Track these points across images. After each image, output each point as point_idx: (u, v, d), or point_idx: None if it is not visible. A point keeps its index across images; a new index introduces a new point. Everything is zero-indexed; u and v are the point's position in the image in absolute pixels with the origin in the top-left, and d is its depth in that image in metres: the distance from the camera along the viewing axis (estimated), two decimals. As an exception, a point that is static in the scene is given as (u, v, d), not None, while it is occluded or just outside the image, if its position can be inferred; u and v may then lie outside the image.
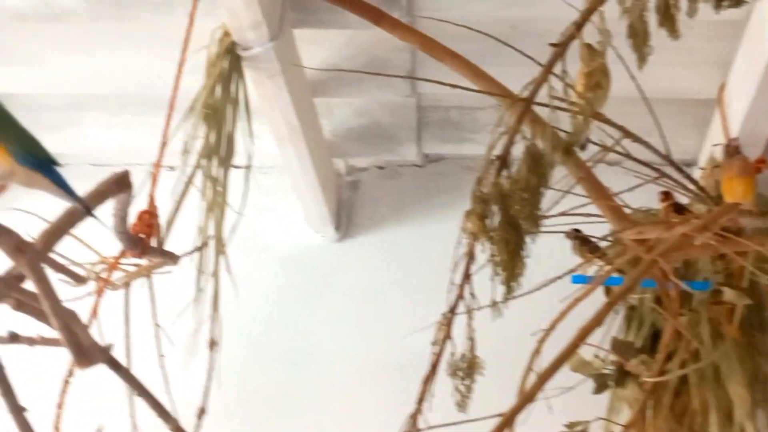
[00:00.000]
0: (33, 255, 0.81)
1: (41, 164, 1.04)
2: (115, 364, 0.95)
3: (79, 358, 0.81)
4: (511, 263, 1.34)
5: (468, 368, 1.33)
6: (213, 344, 1.57)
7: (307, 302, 2.65)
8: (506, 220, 1.36)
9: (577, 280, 1.92)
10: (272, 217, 2.68)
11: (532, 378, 1.37)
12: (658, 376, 1.87)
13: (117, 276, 1.58)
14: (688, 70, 2.21)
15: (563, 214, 1.94)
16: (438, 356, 1.34)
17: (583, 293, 1.52)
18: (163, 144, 1.45)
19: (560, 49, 1.49)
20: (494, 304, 1.32)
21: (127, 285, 1.62)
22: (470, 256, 1.39)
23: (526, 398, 1.20)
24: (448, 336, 1.35)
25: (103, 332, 1.60)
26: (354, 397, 2.58)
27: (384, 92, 2.35)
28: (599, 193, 1.76)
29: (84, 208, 0.99)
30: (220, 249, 1.77)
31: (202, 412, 1.60)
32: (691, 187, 1.90)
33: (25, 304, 0.88)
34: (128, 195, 1.02)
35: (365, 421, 2.54)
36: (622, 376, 1.89)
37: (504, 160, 1.42)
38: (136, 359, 1.68)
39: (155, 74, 2.31)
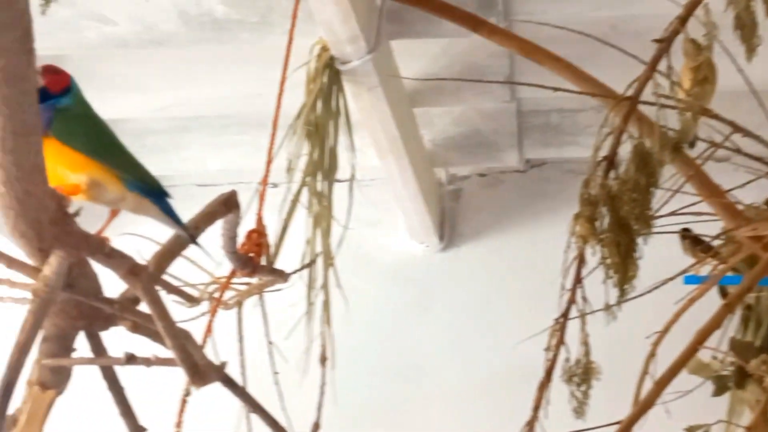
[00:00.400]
0: (147, 278, 0.82)
1: (150, 191, 1.07)
2: (230, 382, 0.95)
3: (194, 378, 0.81)
4: (623, 266, 1.31)
5: (584, 374, 1.31)
6: (324, 360, 1.57)
7: (415, 314, 2.64)
8: (616, 222, 1.33)
9: (690, 280, 1.88)
10: (376, 229, 2.68)
11: (648, 382, 1.34)
12: (779, 376, 1.80)
13: (229, 295, 1.59)
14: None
15: (673, 213, 1.89)
16: (552, 362, 1.32)
17: (697, 294, 1.47)
18: (269, 162, 1.46)
19: (664, 45, 1.45)
20: (608, 308, 1.29)
21: (239, 304, 1.64)
22: (580, 260, 1.36)
23: (645, 405, 1.17)
24: (561, 341, 1.33)
25: (217, 351, 1.62)
26: (467, 408, 2.56)
27: (483, 99, 2.33)
28: (710, 190, 1.72)
29: (189, 236, 1.01)
30: (329, 264, 1.77)
31: (316, 427, 1.60)
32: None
33: (141, 326, 0.90)
34: (236, 215, 1.03)
35: (479, 432, 2.53)
36: (742, 378, 1.84)
37: (611, 161, 1.39)
38: (250, 377, 1.70)
39: (256, 93, 2.34)
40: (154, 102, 2.37)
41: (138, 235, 1.45)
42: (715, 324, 1.27)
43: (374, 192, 2.66)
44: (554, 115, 2.47)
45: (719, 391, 1.84)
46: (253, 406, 0.95)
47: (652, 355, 1.34)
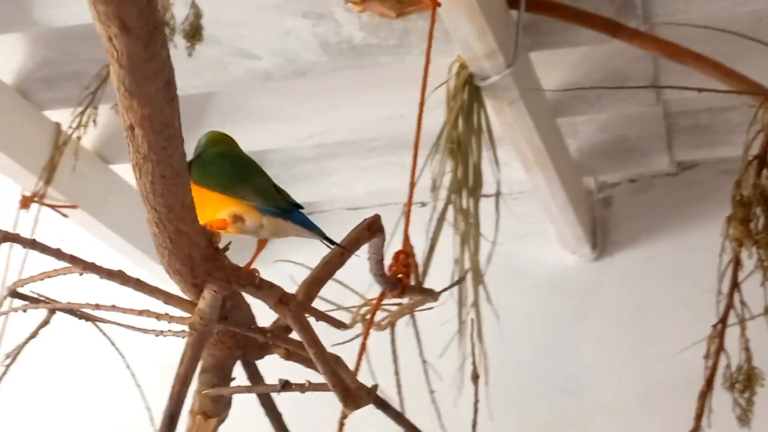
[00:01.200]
0: (295, 307, 0.84)
1: (281, 209, 1.10)
2: (383, 404, 0.96)
3: (346, 401, 0.83)
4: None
5: (746, 380, 1.27)
6: (476, 377, 1.56)
7: (571, 325, 2.61)
8: (772, 223, 1.30)
9: None
10: (526, 242, 2.66)
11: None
12: None
13: (380, 317, 1.61)
14: None
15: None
16: (713, 370, 1.28)
17: None
18: (412, 183, 1.47)
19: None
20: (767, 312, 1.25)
21: (392, 324, 1.66)
22: (737, 263, 1.33)
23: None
24: (721, 348, 1.29)
25: (373, 372, 1.64)
26: (628, 420, 2.51)
27: (626, 105, 2.29)
28: None
29: (333, 244, 1.03)
30: (478, 280, 1.77)
31: None
32: None
33: (294, 353, 0.92)
34: (381, 239, 1.04)
35: (643, 443, 2.48)
36: None
37: (763, 159, 1.35)
38: (406, 396, 1.72)
39: (398, 115, 2.37)
40: (301, 131, 2.42)
41: (290, 261, 1.49)
42: None
43: (522, 205, 2.65)
44: (703, 115, 2.41)
45: None
46: (408, 427, 0.96)
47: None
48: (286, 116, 2.37)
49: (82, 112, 1.74)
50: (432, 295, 1.50)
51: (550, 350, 2.59)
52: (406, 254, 1.38)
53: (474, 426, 1.45)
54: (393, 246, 1.68)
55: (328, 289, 1.25)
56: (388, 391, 1.67)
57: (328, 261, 0.99)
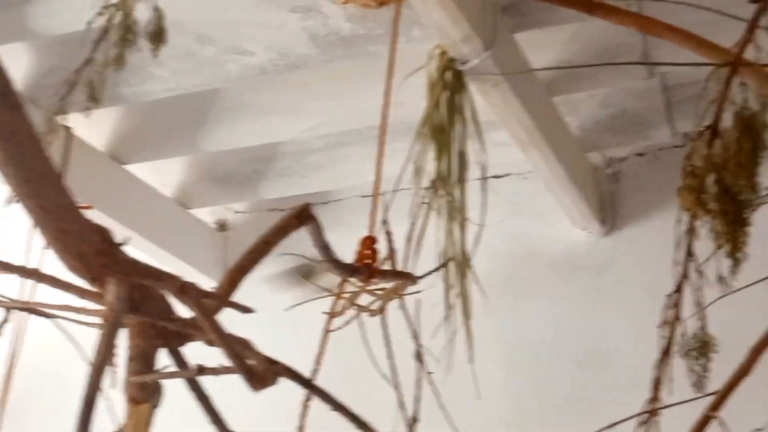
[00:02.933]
0: (195, 295, 0.88)
1: None
2: (314, 388, 1.00)
3: (251, 382, 0.87)
4: (732, 235, 1.29)
5: (701, 347, 1.29)
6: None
7: (587, 300, 2.63)
8: (722, 191, 1.31)
9: None
10: (538, 221, 2.69)
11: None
12: None
13: (368, 302, 1.65)
14: None
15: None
16: (670, 339, 1.30)
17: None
18: (379, 169, 1.51)
19: (763, 3, 1.41)
20: (721, 279, 1.27)
21: (382, 309, 1.70)
22: (691, 233, 1.34)
23: (740, 373, 1.14)
24: (678, 316, 1.31)
25: (372, 355, 1.65)
26: (648, 391, 2.52)
27: (622, 80, 2.31)
28: None
29: None
30: (465, 263, 1.80)
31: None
32: None
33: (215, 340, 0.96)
34: (315, 226, 1.08)
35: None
36: None
37: (714, 130, 1.36)
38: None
39: (397, 102, 2.40)
40: (304, 123, 2.47)
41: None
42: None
43: (531, 185, 2.67)
44: (702, 85, 2.40)
45: None
46: (341, 410, 1.00)
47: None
48: (288, 109, 2.42)
49: (52, 117, 1.80)
50: (409, 278, 1.54)
51: (570, 326, 2.61)
52: (371, 239, 1.41)
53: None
54: (397, 233, 1.72)
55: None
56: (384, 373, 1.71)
57: (252, 250, 1.03)
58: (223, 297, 0.96)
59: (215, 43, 2.15)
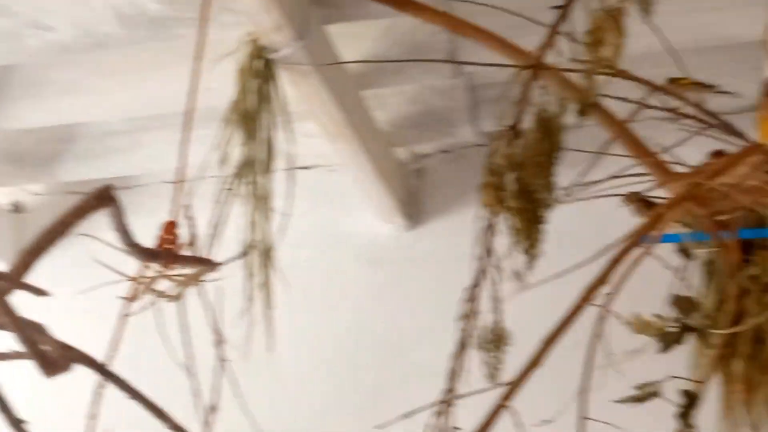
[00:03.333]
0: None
1: None
2: (102, 371, 0.98)
3: (43, 368, 0.84)
4: (529, 232, 1.33)
5: (496, 340, 1.33)
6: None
7: (387, 293, 2.67)
8: (521, 190, 1.35)
9: (667, 239, 1.89)
10: (344, 214, 2.71)
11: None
12: (727, 328, 1.82)
13: (167, 288, 1.62)
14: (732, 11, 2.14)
15: (614, 177, 1.91)
16: (466, 331, 1.34)
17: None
18: (184, 156, 1.48)
19: (564, 9, 1.47)
20: (517, 275, 1.31)
21: (179, 295, 1.67)
22: (491, 229, 1.38)
23: (531, 365, 1.19)
24: (475, 310, 1.35)
25: (170, 342, 1.63)
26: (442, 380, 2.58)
27: (430, 77, 2.35)
28: (639, 149, 1.73)
29: None
30: (268, 252, 1.80)
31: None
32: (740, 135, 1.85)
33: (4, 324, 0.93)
34: (116, 209, 1.05)
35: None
36: (687, 333, 1.85)
37: (515, 129, 1.41)
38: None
39: (205, 88, 2.36)
40: (108, 104, 2.39)
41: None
42: (601, 280, 1.28)
43: (340, 177, 2.69)
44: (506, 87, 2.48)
45: (665, 347, 1.86)
46: (130, 391, 0.98)
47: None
48: (91, 89, 2.34)
49: None
50: (209, 265, 1.52)
51: (370, 318, 2.64)
52: (172, 224, 1.39)
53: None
54: (201, 220, 1.69)
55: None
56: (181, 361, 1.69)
57: (48, 231, 1.00)
58: (15, 278, 0.92)
59: (14, 16, 2.06)
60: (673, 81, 1.88)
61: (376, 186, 2.45)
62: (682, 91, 1.91)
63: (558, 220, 1.58)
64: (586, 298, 1.27)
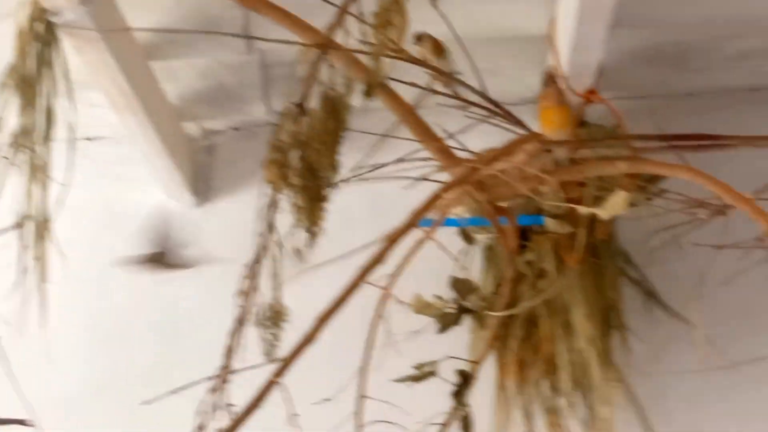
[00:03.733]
0: None
1: None
2: None
3: None
4: (311, 210, 1.33)
5: (274, 317, 1.32)
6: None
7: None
8: (305, 168, 1.35)
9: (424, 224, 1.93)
10: (128, 188, 2.63)
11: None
12: (502, 310, 1.89)
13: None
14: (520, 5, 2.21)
15: (400, 160, 1.95)
16: (245, 308, 1.33)
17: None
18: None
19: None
20: (297, 252, 1.31)
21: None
22: (273, 205, 1.38)
23: (305, 341, 1.20)
24: (255, 287, 1.34)
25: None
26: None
27: (222, 52, 2.32)
28: (424, 134, 1.76)
29: None
30: (44, 224, 1.73)
31: None
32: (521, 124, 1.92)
33: None
34: None
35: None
36: (464, 315, 1.91)
37: (302, 107, 1.40)
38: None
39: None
40: None
41: None
42: (377, 260, 1.30)
43: (125, 150, 2.61)
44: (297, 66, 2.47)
45: (443, 328, 1.91)
46: None
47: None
48: None
49: None
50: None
51: (149, 294, 2.59)
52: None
53: None
54: None
55: None
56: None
57: None
58: None
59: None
60: (418, 39, 1.90)
61: (164, 161, 2.40)
62: (424, 51, 1.92)
63: (343, 202, 1.59)
64: (361, 277, 1.29)
